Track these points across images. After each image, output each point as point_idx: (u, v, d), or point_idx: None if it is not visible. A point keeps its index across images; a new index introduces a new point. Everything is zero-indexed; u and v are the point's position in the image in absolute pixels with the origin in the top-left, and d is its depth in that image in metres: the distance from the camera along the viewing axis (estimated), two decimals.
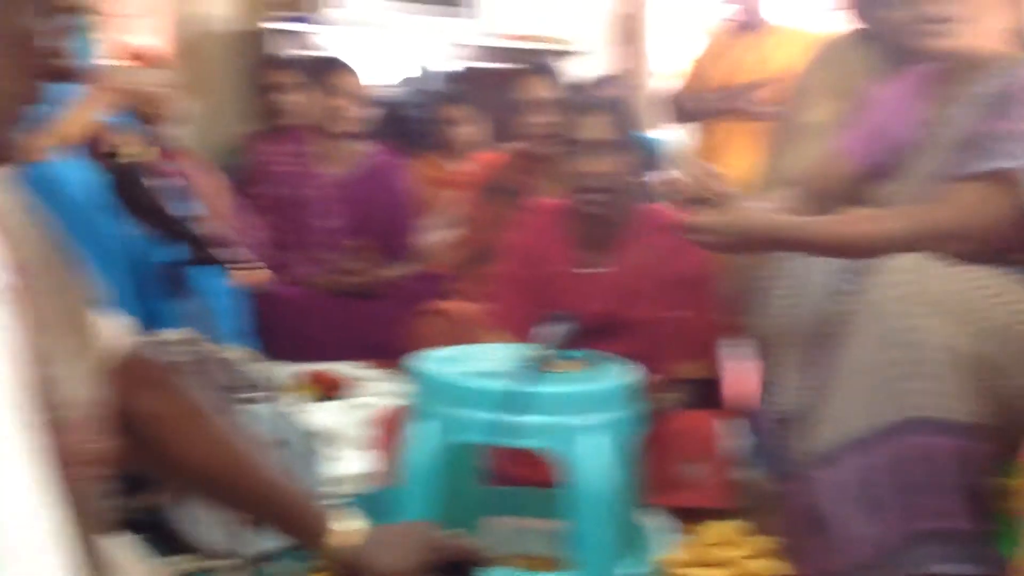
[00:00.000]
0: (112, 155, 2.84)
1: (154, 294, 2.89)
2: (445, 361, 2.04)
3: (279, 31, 4.41)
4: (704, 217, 1.96)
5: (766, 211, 2.01)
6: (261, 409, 2.01)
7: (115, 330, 1.16)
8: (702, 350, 2.48)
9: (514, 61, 4.48)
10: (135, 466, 1.74)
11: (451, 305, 3.38)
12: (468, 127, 4.41)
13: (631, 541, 2.05)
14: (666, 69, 5.22)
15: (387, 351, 3.55)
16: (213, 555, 1.85)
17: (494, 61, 4.79)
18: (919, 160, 2.09)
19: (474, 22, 4.69)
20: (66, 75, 0.92)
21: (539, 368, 1.95)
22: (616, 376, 1.98)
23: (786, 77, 3.26)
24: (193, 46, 4.92)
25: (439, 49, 4.74)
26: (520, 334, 2.42)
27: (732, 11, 4.23)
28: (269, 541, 1.70)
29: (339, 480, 2.41)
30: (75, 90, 2.78)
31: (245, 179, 3.90)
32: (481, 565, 1.17)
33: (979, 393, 1.74)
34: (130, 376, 1.17)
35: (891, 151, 2.16)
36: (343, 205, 3.88)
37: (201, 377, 1.28)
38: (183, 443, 1.20)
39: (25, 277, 0.78)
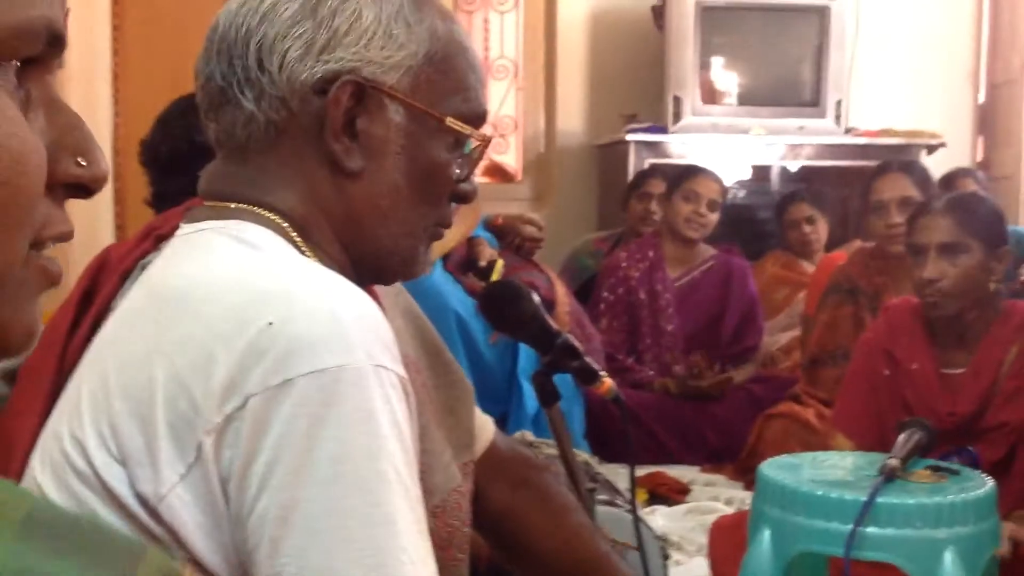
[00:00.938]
0: (490, 267, 3.06)
1: (504, 398, 3.06)
2: (790, 468, 1.98)
3: (637, 142, 4.55)
4: None
5: None
6: (609, 511, 2.05)
7: (483, 425, 1.24)
8: None
9: (871, 158, 4.36)
10: (491, 566, 1.82)
11: (795, 408, 3.29)
12: (818, 226, 4.34)
13: None
14: None
15: (728, 455, 3.52)
16: None
17: (848, 159, 4.69)
18: None
19: (829, 121, 4.63)
20: (469, 198, 1.03)
21: (892, 477, 1.85)
22: (975, 488, 1.85)
23: None
24: (545, 160, 5.20)
25: (792, 148, 4.70)
26: (868, 438, 2.32)
27: None
28: None
29: None
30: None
31: (593, 284, 4.04)
32: None
33: None
34: (494, 469, 1.24)
35: None
36: (688, 308, 3.91)
37: (556, 478, 1.33)
38: (542, 538, 1.25)
39: (408, 373, 0.87)
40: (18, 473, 0.93)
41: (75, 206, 0.57)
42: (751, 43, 4.73)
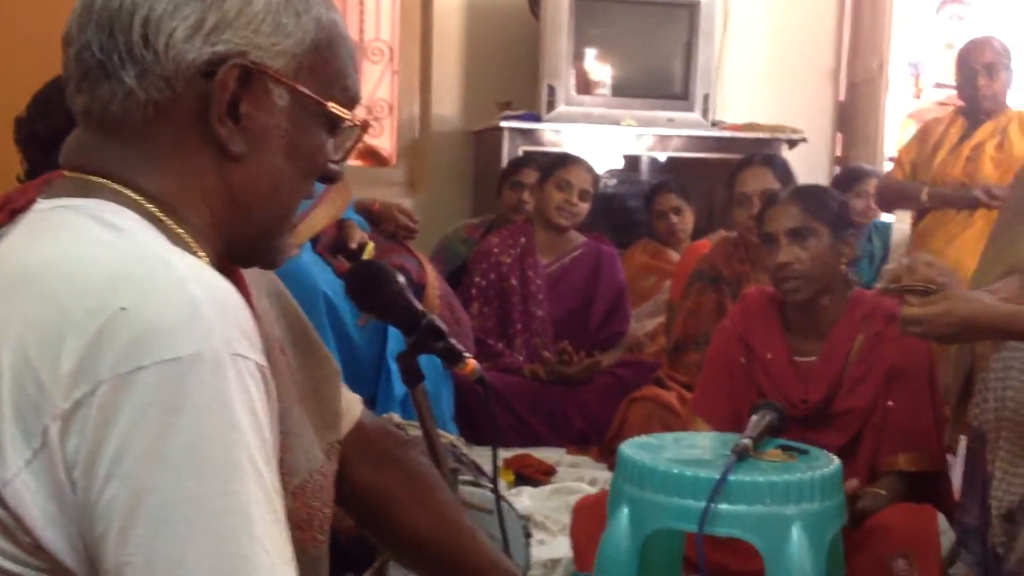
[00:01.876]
0: (360, 250, 3.05)
1: (372, 380, 3.07)
2: (649, 448, 2.05)
3: (511, 130, 4.59)
4: (919, 309, 1.91)
5: (985, 299, 1.94)
6: (472, 491, 2.08)
7: (350, 404, 1.25)
8: (920, 443, 2.39)
9: (736, 151, 4.50)
10: (353, 537, 1.83)
11: (659, 392, 3.38)
12: (684, 216, 4.45)
13: None
14: (890, 155, 5.13)
15: (594, 438, 3.60)
16: None
17: (714, 151, 4.82)
18: None
19: (697, 114, 4.75)
20: (336, 178, 1.05)
21: (744, 456, 1.93)
22: (822, 467, 1.94)
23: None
24: (419, 145, 5.20)
25: (661, 139, 4.81)
26: (726, 422, 2.42)
27: (952, 96, 4.13)
28: None
29: (541, 565, 2.45)
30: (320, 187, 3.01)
31: (465, 270, 4.07)
32: None
33: None
34: (360, 448, 1.25)
35: None
36: (557, 294, 3.98)
37: (423, 456, 1.35)
38: (408, 515, 1.26)
39: (272, 355, 0.87)
40: None
41: None
42: (624, 35, 4.81)
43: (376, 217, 3.44)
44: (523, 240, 4.01)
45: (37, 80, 2.05)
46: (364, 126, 1.04)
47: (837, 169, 4.91)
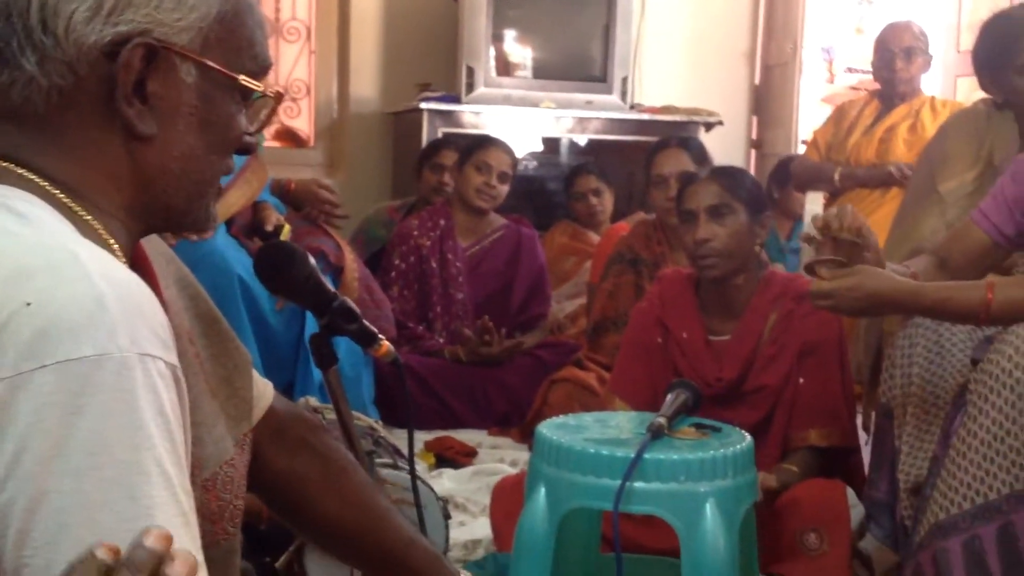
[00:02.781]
0: (276, 232, 3.01)
1: (290, 364, 3.04)
2: (567, 428, 2.06)
3: (430, 111, 4.56)
4: (829, 283, 1.95)
5: (894, 275, 1.99)
6: (390, 474, 2.08)
7: (261, 392, 1.23)
8: (831, 419, 2.44)
9: (654, 133, 4.53)
10: (272, 522, 1.81)
11: (578, 373, 3.41)
12: (603, 198, 4.48)
13: None
14: (804, 138, 5.21)
15: (516, 419, 3.61)
16: None
17: (633, 134, 4.85)
18: None
19: (615, 96, 4.77)
20: (251, 149, 1.03)
21: (659, 435, 1.96)
22: (734, 444, 1.97)
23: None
24: (338, 126, 5.16)
25: (580, 122, 4.83)
26: (644, 402, 2.44)
27: (864, 81, 4.21)
28: None
29: (461, 545, 2.45)
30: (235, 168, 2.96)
31: (384, 252, 4.05)
32: None
33: None
34: (273, 434, 1.24)
35: None
36: (478, 276, 3.98)
37: (336, 440, 1.34)
38: (323, 499, 1.25)
39: (180, 345, 0.85)
40: None
41: None
42: (543, 18, 4.82)
43: (293, 197, 3.40)
44: (443, 222, 4.00)
45: None
46: (278, 96, 1.03)
47: (753, 152, 4.97)
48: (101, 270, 0.81)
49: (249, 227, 3.10)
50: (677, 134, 4.17)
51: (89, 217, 0.90)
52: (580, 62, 4.89)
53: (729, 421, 2.15)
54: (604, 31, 4.78)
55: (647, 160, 3.59)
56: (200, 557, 0.82)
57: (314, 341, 1.36)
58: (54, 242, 0.83)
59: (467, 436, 3.46)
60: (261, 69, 1.00)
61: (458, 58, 4.66)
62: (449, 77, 4.75)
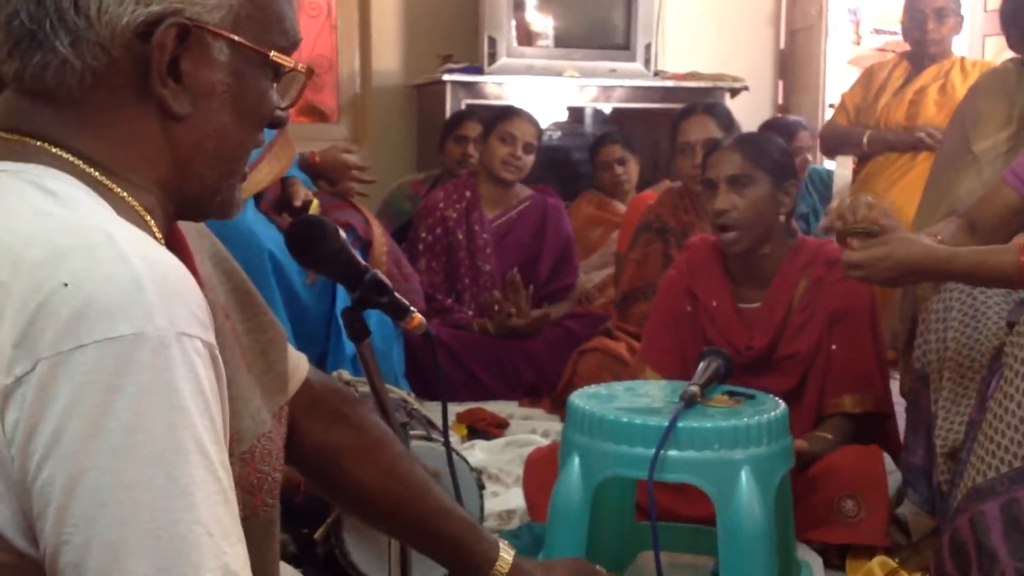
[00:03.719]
0: (305, 207, 3.02)
1: (322, 338, 3.05)
2: (599, 397, 2.06)
3: (453, 83, 4.54)
4: (860, 253, 1.93)
5: (925, 241, 1.97)
6: (424, 446, 2.08)
7: (296, 365, 1.23)
8: (864, 384, 2.42)
9: (678, 100, 4.50)
10: (308, 496, 1.82)
11: (608, 343, 3.40)
12: (629, 167, 4.45)
13: None
14: (831, 101, 5.17)
15: (546, 390, 3.61)
16: None
17: (658, 101, 4.82)
18: None
19: (639, 64, 4.74)
20: (282, 123, 1.03)
21: (692, 403, 1.95)
22: (769, 411, 1.96)
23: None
24: (361, 100, 5.14)
25: (604, 91, 4.80)
26: (674, 370, 2.43)
27: (891, 42, 4.15)
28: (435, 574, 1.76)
29: (496, 516, 2.46)
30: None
31: (411, 225, 4.04)
32: None
33: None
34: (308, 407, 1.24)
35: None
36: (504, 248, 3.97)
37: (371, 412, 1.34)
38: (361, 471, 1.26)
39: (216, 321, 0.86)
40: None
41: None
42: None
43: (319, 169, 3.40)
44: (468, 194, 3.99)
45: None
46: (309, 72, 1.02)
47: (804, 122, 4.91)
48: (137, 250, 0.81)
49: (278, 202, 3.11)
50: (702, 100, 4.13)
51: (125, 194, 0.90)
52: (603, 30, 4.85)
53: (760, 390, 2.14)
54: None
55: (672, 127, 3.56)
56: (239, 531, 0.82)
57: (346, 314, 1.36)
58: (89, 222, 0.83)
59: (497, 407, 3.47)
60: (291, 44, 0.99)
61: (479, 28, 4.63)
62: (471, 48, 4.72)
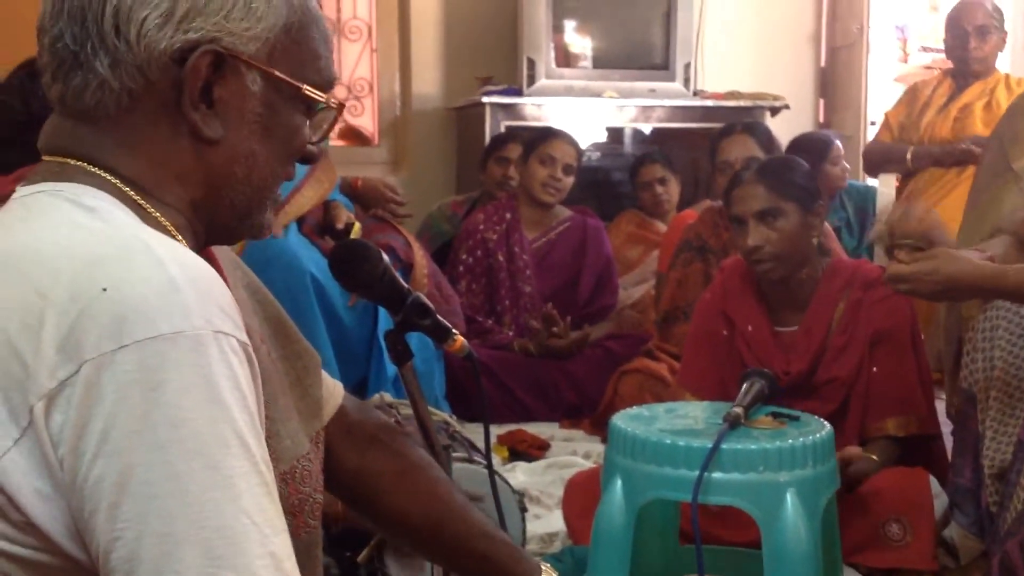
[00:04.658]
0: (347, 230, 3.04)
1: (364, 360, 3.06)
2: (641, 419, 2.05)
3: (492, 105, 4.56)
4: (907, 266, 1.91)
5: (972, 258, 1.94)
6: (466, 468, 2.08)
7: (331, 391, 1.24)
8: (907, 407, 2.39)
9: (718, 120, 4.48)
10: (347, 524, 1.82)
11: (649, 363, 3.38)
12: (670, 187, 4.44)
13: None
14: (873, 119, 5.13)
15: (584, 411, 3.60)
16: None
17: (697, 121, 4.80)
18: None
19: (678, 83, 4.73)
20: (315, 159, 1.05)
21: (736, 425, 1.93)
22: (814, 432, 1.94)
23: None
24: (401, 123, 5.17)
25: (643, 111, 4.79)
26: (713, 395, 2.41)
27: (938, 60, 4.12)
28: None
29: (538, 539, 2.45)
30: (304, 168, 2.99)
31: (450, 247, 4.06)
32: None
33: None
34: (344, 433, 1.25)
35: None
36: (545, 269, 3.97)
37: (409, 437, 1.34)
38: (399, 496, 1.26)
39: (252, 343, 0.87)
40: None
41: None
42: (603, 7, 4.78)
43: (360, 195, 3.43)
44: (508, 216, 4.00)
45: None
46: (340, 107, 1.04)
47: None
48: (171, 255, 0.84)
49: (320, 226, 3.13)
50: (742, 119, 4.12)
51: (157, 213, 0.93)
52: (641, 50, 4.85)
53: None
54: (664, 18, 4.73)
55: (712, 147, 3.55)
56: (283, 523, 0.84)
57: (389, 337, 1.36)
58: (125, 231, 0.87)
59: (538, 429, 3.46)
60: (325, 82, 1.02)
61: (518, 50, 4.65)
62: (510, 70, 4.74)
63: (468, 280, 3.95)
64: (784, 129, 4.45)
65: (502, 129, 4.54)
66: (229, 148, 0.96)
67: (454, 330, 1.37)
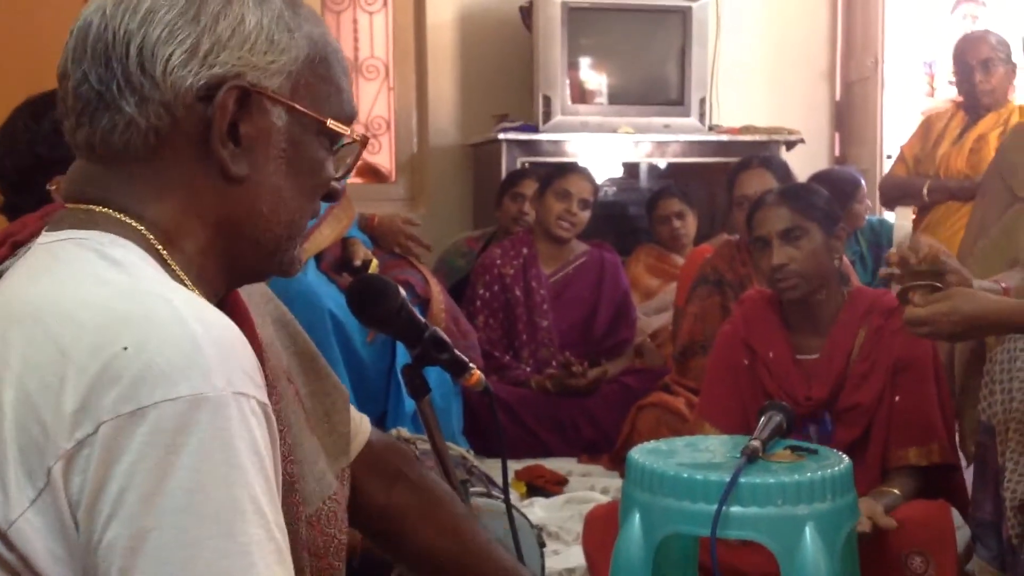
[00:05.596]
0: (364, 267, 3.06)
1: (382, 395, 3.07)
2: (659, 453, 2.04)
3: (508, 141, 4.59)
4: (924, 309, 1.90)
5: (989, 295, 1.94)
6: (485, 503, 2.08)
7: (358, 426, 1.25)
8: (929, 436, 2.38)
9: (734, 154, 4.50)
10: (365, 557, 1.82)
11: (666, 398, 3.38)
12: (687, 221, 4.45)
13: None
14: (889, 153, 5.13)
15: (604, 446, 3.59)
16: None
17: (713, 155, 4.82)
18: None
19: (693, 119, 4.75)
20: (337, 196, 1.05)
21: (754, 458, 1.93)
22: (832, 466, 1.93)
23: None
24: (418, 160, 5.21)
25: (659, 146, 4.81)
26: (734, 426, 2.41)
27: (953, 93, 4.13)
28: None
29: (556, 574, 2.44)
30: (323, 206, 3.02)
31: (466, 283, 4.07)
32: None
33: None
34: (370, 467, 1.25)
35: None
36: (562, 304, 3.98)
37: (432, 471, 1.35)
38: (421, 530, 1.27)
39: (279, 384, 0.87)
40: None
41: None
42: (617, 43, 4.82)
43: (377, 231, 3.45)
44: (525, 251, 4.01)
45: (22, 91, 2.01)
46: (363, 141, 1.04)
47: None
48: (194, 313, 0.83)
49: (338, 262, 3.16)
50: (758, 154, 4.13)
51: (175, 265, 0.92)
52: (656, 86, 4.88)
53: (822, 442, 2.11)
54: (679, 53, 4.76)
55: (729, 181, 3.56)
56: None
57: (407, 372, 1.37)
58: (148, 288, 0.85)
59: (556, 464, 3.46)
60: (347, 116, 1.01)
61: (534, 88, 4.68)
62: (526, 107, 4.78)
63: (485, 315, 3.96)
64: (800, 163, 4.46)
65: (518, 165, 4.57)
66: (254, 186, 0.95)
67: (471, 364, 1.38)
